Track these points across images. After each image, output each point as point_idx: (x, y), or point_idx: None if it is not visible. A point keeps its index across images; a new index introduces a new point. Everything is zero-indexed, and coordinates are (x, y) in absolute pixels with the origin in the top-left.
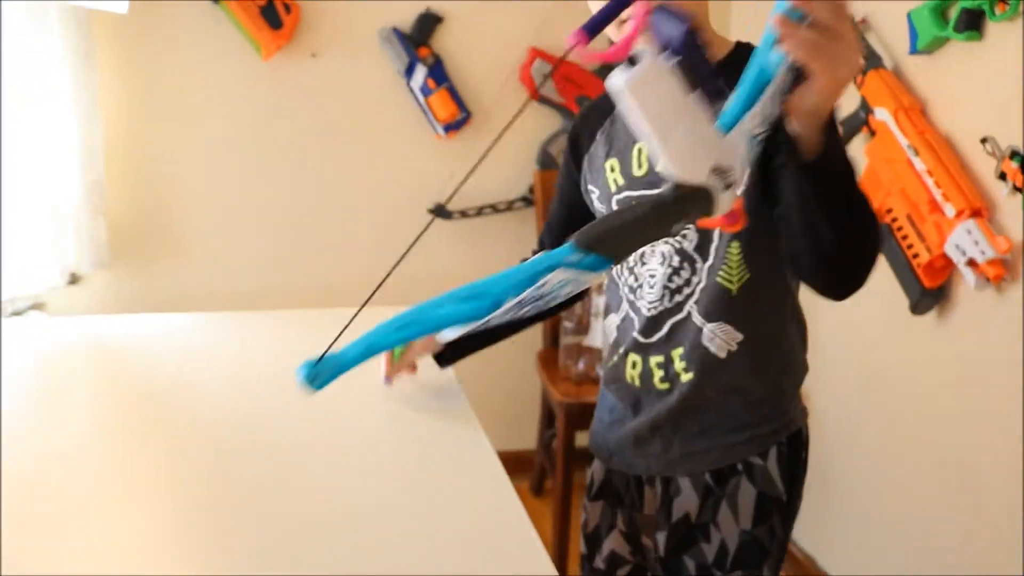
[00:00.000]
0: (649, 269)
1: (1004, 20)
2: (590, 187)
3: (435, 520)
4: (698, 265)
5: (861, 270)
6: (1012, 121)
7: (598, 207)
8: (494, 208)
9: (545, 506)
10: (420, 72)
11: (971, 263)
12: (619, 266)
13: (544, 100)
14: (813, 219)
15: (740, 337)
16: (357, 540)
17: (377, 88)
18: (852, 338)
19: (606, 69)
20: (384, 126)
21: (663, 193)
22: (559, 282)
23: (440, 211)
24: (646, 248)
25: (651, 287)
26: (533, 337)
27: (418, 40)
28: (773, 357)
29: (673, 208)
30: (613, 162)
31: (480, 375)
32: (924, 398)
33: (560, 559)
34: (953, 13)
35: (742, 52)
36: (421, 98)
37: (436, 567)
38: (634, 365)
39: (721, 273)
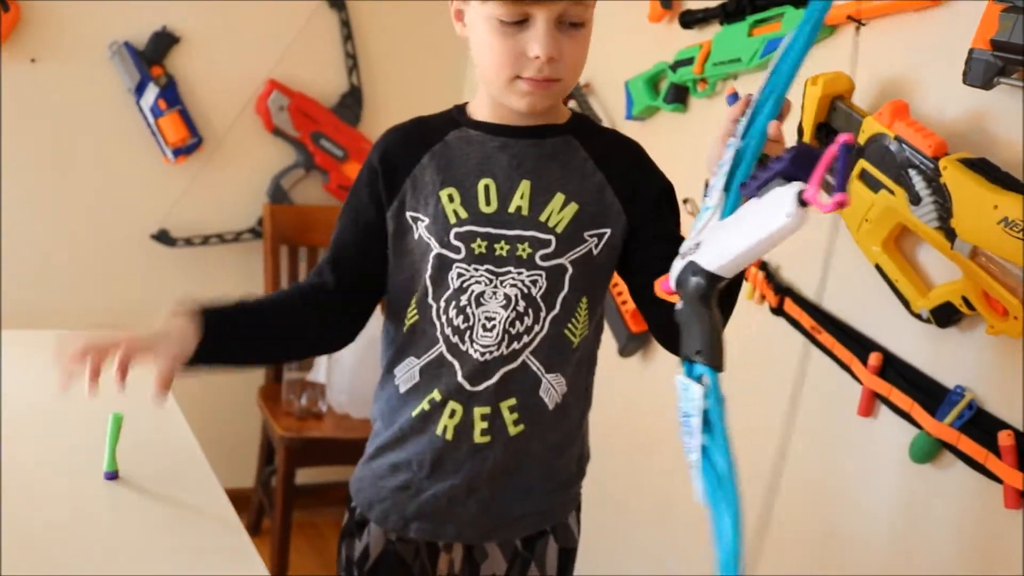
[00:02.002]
0: (487, 311)
1: (704, 97)
2: (413, 213)
3: (163, 558)
4: (542, 314)
5: None
6: None
7: (423, 235)
8: (221, 238)
9: (263, 545)
10: (151, 92)
11: None
12: (440, 303)
13: (279, 133)
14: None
15: (566, 390)
16: None
17: (103, 104)
18: None
19: (343, 108)
20: (109, 144)
21: (707, 287)
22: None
23: (163, 237)
24: (486, 289)
25: (488, 330)
26: (255, 371)
27: (151, 58)
28: (585, 410)
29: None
30: (451, 191)
31: (198, 411)
32: (632, 434)
33: None
34: (663, 86)
35: (578, 120)
36: (151, 119)
37: None
38: (452, 414)
39: (569, 325)
